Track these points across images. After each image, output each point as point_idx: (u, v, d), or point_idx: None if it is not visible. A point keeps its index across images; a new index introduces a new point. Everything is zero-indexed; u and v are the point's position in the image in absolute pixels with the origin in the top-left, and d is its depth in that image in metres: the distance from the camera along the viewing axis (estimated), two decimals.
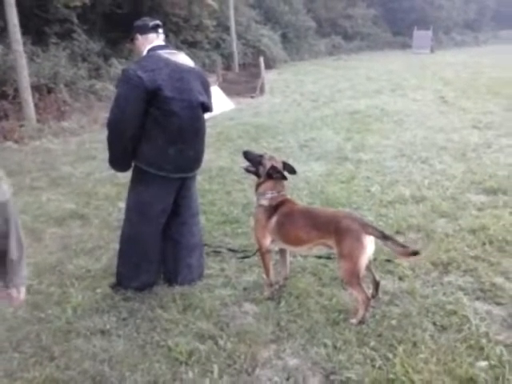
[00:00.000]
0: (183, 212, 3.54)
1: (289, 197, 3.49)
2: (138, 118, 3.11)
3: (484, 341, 2.79)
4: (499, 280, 3.49)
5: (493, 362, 2.62)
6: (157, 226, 3.43)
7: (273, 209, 3.35)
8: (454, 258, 3.82)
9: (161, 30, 3.33)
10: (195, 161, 3.40)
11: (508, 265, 3.70)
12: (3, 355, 2.87)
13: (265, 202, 3.39)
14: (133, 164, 3.38)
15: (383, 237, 3.01)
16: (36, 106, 10.17)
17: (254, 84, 14.75)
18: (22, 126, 9.50)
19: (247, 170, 3.54)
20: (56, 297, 3.51)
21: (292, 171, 3.52)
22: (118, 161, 3.36)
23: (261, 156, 3.48)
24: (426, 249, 4.00)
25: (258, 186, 3.46)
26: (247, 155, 3.50)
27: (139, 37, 3.31)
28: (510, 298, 3.26)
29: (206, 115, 3.47)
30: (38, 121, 9.97)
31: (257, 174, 3.47)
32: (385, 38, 38.72)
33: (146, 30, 3.28)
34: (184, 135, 3.22)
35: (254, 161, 3.47)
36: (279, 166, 3.42)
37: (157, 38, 3.30)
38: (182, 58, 3.32)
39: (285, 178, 3.39)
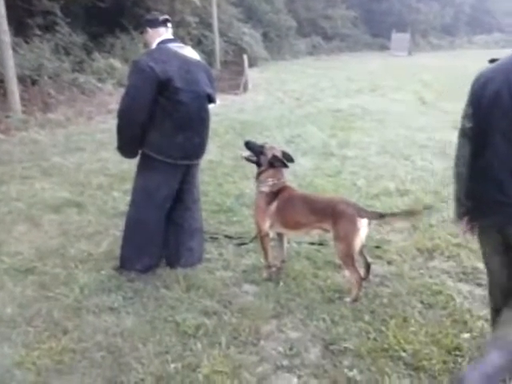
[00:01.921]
0: (186, 198, 3.73)
1: (288, 184, 3.70)
2: (149, 107, 3.29)
3: (467, 316, 3.07)
4: (480, 265, 3.73)
5: (475, 334, 2.90)
6: (162, 211, 3.61)
7: (273, 195, 3.56)
8: (438, 245, 4.10)
9: (169, 25, 3.51)
10: (200, 148, 3.60)
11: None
12: (17, 329, 3.01)
13: (265, 189, 3.59)
14: (140, 151, 3.54)
15: (379, 216, 3.26)
16: (21, 97, 10.15)
17: (238, 81, 14.93)
18: (7, 116, 9.49)
19: (248, 159, 3.73)
20: (62, 278, 3.65)
21: (290, 160, 3.72)
22: (127, 147, 3.52)
23: (262, 146, 3.69)
24: (412, 237, 4.27)
25: (259, 174, 3.66)
26: (249, 145, 3.70)
27: (149, 30, 3.48)
28: None
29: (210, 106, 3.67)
30: (24, 112, 9.97)
31: (258, 163, 3.67)
32: (364, 40, 39.30)
33: (156, 23, 3.46)
34: (191, 124, 3.41)
35: (255, 150, 3.66)
36: (279, 154, 3.63)
37: (166, 32, 3.49)
38: (190, 52, 3.52)
39: (286, 166, 3.60)
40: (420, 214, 3.31)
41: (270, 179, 3.56)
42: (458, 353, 2.73)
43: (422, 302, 3.26)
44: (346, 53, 34.39)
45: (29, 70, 11.35)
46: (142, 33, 3.57)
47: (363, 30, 39.98)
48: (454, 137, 8.17)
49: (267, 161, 3.57)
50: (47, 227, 4.66)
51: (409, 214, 3.38)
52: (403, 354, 2.71)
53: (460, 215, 2.53)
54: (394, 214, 3.38)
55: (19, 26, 12.40)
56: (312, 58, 29.33)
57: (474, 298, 3.33)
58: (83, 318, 3.13)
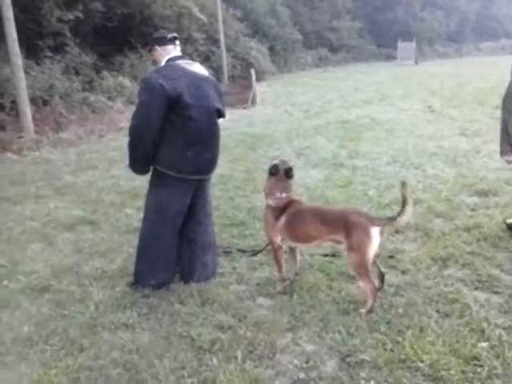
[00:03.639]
0: (199, 212, 3.75)
1: (296, 197, 3.71)
2: (159, 123, 3.33)
3: (484, 324, 3.02)
4: (495, 272, 3.75)
5: (493, 343, 2.86)
6: (174, 226, 3.63)
7: (281, 209, 3.56)
8: (452, 253, 4.07)
9: (178, 42, 3.57)
10: (212, 163, 3.63)
11: (502, 258, 3.98)
12: (35, 348, 3.03)
13: (272, 203, 3.60)
14: (151, 167, 3.57)
15: (390, 219, 3.26)
16: (33, 117, 10.33)
17: (246, 95, 15.05)
18: (20, 137, 9.65)
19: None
20: (77, 295, 3.67)
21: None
22: (138, 164, 3.55)
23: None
24: (425, 246, 4.25)
25: (265, 186, 3.66)
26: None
27: (158, 48, 3.53)
28: (506, 287, 3.52)
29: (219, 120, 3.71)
30: (36, 132, 10.14)
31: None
32: (370, 50, 39.50)
33: (164, 41, 3.51)
34: (202, 139, 3.45)
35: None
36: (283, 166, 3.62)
37: (174, 49, 3.54)
38: (198, 68, 3.57)
39: (280, 174, 3.56)
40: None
41: (276, 192, 3.57)
42: (476, 362, 2.70)
43: (438, 311, 3.23)
44: (352, 64, 34.58)
45: (40, 91, 11.56)
46: (150, 51, 3.62)
47: (369, 40, 40.20)
48: (462, 144, 8.24)
49: (269, 171, 3.59)
50: (61, 245, 4.71)
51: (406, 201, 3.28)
52: (421, 365, 2.69)
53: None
54: (401, 212, 3.28)
55: (30, 48, 12.65)
56: (319, 70, 29.51)
57: (490, 305, 3.29)
58: (99, 336, 3.14)
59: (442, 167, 6.95)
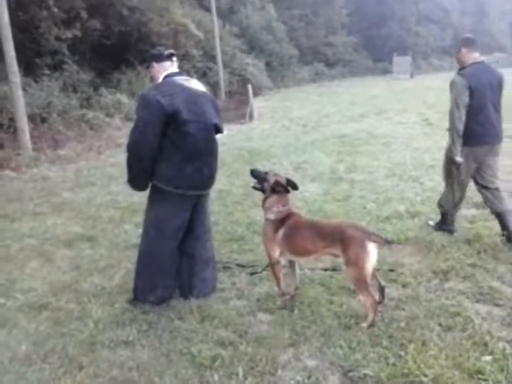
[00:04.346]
0: (197, 228, 3.73)
1: (294, 210, 3.71)
2: (157, 140, 3.33)
3: (487, 338, 3.00)
4: (496, 284, 3.73)
5: (497, 356, 2.83)
6: (173, 242, 3.62)
7: (279, 222, 3.56)
8: (453, 266, 4.05)
9: (175, 58, 3.59)
10: (210, 178, 3.63)
11: (503, 270, 3.96)
12: (33, 367, 3.00)
13: (271, 216, 3.60)
14: (150, 183, 3.57)
15: (387, 242, 3.25)
16: (31, 135, 10.35)
17: (243, 111, 15.14)
18: (18, 154, 9.66)
19: (255, 188, 3.76)
20: (76, 313, 3.64)
21: (294, 187, 3.74)
22: (137, 180, 3.54)
23: (265, 173, 3.73)
24: (426, 259, 4.24)
25: (264, 200, 3.68)
26: (254, 173, 3.74)
27: (155, 65, 3.55)
28: (508, 299, 3.50)
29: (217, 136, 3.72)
30: (34, 149, 10.15)
31: (262, 189, 3.70)
32: (366, 65, 39.85)
33: (161, 58, 3.53)
34: (200, 155, 3.45)
35: (259, 178, 3.70)
36: (282, 180, 3.65)
37: (171, 66, 3.56)
38: (195, 84, 3.58)
39: (288, 191, 3.62)
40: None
41: (274, 206, 3.57)
42: (480, 376, 2.67)
43: (440, 325, 3.21)
44: (348, 78, 34.81)
45: (38, 108, 11.61)
46: (147, 67, 3.64)
47: (365, 55, 40.58)
48: None
49: (270, 187, 3.59)
50: (60, 262, 4.68)
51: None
52: (424, 379, 2.66)
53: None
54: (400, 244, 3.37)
55: (28, 66, 12.74)
56: (315, 85, 29.70)
57: (492, 318, 3.27)
58: (98, 353, 3.11)
59: (440, 180, 6.92)
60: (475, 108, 4.45)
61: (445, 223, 4.89)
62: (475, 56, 4.54)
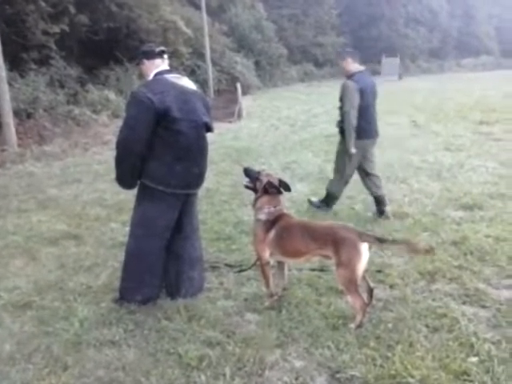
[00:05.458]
0: (185, 227, 3.70)
1: (286, 211, 3.70)
2: (147, 137, 3.29)
3: (473, 339, 3.02)
4: (482, 286, 3.76)
5: (483, 357, 2.85)
6: (161, 241, 3.58)
7: (271, 223, 3.55)
8: (440, 267, 4.08)
9: (165, 56, 3.55)
10: (200, 177, 3.60)
11: (489, 272, 3.99)
12: (17, 367, 2.95)
13: (262, 217, 3.58)
14: (138, 181, 3.53)
15: (379, 241, 3.25)
16: (16, 130, 10.24)
17: (232, 109, 15.11)
18: (3, 150, 9.55)
19: (246, 186, 3.75)
20: (61, 312, 3.58)
21: (287, 188, 3.74)
22: (126, 178, 3.51)
23: (258, 172, 3.71)
24: (413, 260, 4.25)
25: (255, 200, 3.67)
26: (247, 172, 3.72)
27: (146, 62, 3.51)
28: (494, 301, 3.53)
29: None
30: (19, 145, 10.04)
31: (254, 189, 3.68)
32: None
33: (152, 55, 3.49)
34: (190, 153, 3.42)
35: (252, 177, 3.69)
36: (275, 181, 3.64)
37: (162, 63, 3.52)
38: (186, 82, 3.55)
39: (280, 192, 3.62)
40: (418, 251, 3.29)
41: (266, 206, 3.56)
42: (466, 377, 2.69)
43: (427, 326, 3.22)
44: (337, 78, 34.78)
45: (24, 104, 11.47)
46: (138, 64, 3.60)
47: None
48: (447, 158, 8.31)
49: (262, 187, 3.58)
50: (45, 260, 4.61)
51: (408, 245, 3.36)
52: (411, 380, 2.67)
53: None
54: (393, 241, 3.38)
55: (14, 61, 12.56)
56: (304, 85, 29.77)
57: (479, 320, 3.29)
58: (83, 353, 3.07)
59: (427, 181, 7.01)
60: (363, 108, 5.35)
61: (327, 203, 5.78)
62: (357, 66, 5.57)
